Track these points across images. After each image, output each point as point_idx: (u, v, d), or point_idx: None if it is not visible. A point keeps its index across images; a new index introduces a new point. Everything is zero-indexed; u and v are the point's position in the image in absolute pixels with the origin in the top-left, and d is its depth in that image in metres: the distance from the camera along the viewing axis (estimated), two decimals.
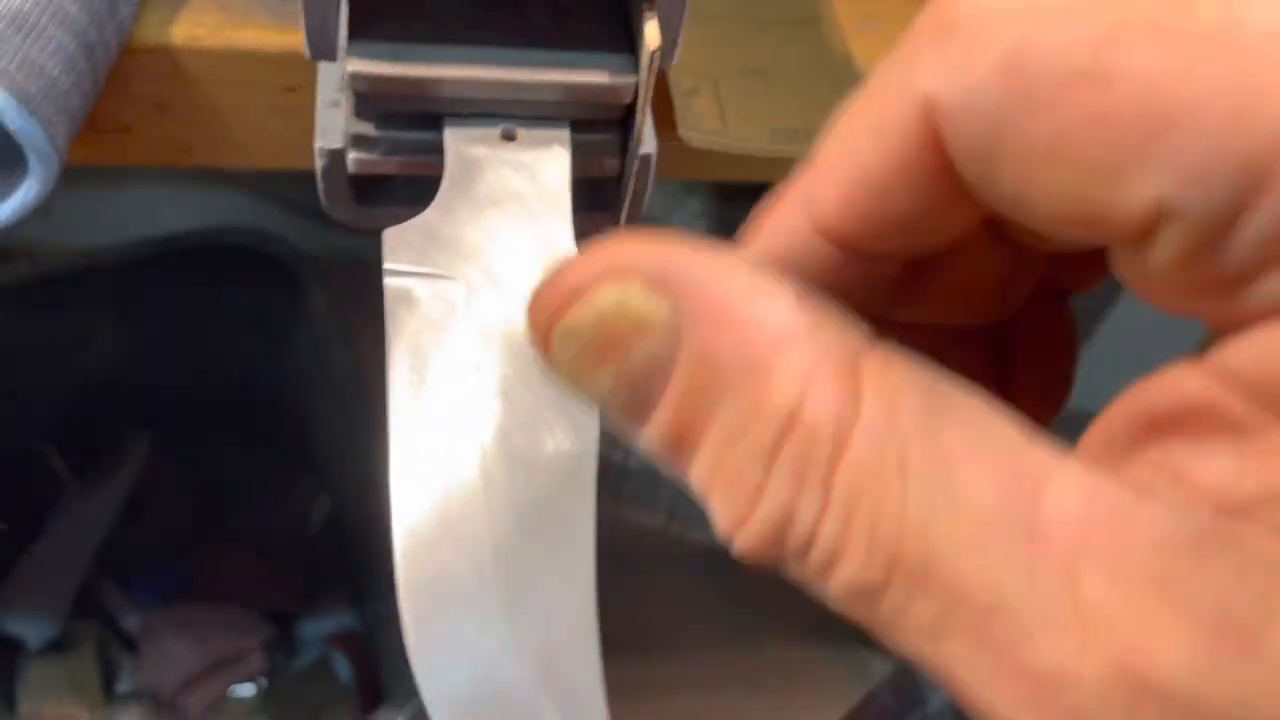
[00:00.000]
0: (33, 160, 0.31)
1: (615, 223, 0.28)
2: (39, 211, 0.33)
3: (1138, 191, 0.14)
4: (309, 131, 0.39)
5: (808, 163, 0.18)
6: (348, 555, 0.79)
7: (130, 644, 0.74)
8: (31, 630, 0.72)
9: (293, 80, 0.37)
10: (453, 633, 0.20)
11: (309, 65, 0.39)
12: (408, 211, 0.28)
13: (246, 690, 0.74)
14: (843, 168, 0.17)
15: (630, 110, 0.26)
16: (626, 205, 0.28)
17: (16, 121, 0.30)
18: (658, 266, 0.16)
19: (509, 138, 0.25)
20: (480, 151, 0.25)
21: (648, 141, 0.27)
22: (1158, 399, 0.15)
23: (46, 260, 0.73)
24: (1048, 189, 0.15)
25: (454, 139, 0.25)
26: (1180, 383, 0.15)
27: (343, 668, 0.76)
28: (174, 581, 0.77)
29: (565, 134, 0.26)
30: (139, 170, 0.91)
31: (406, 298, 0.24)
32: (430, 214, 0.24)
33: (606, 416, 0.17)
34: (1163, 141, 0.14)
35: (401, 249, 0.24)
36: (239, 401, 0.80)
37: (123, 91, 0.36)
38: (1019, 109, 0.14)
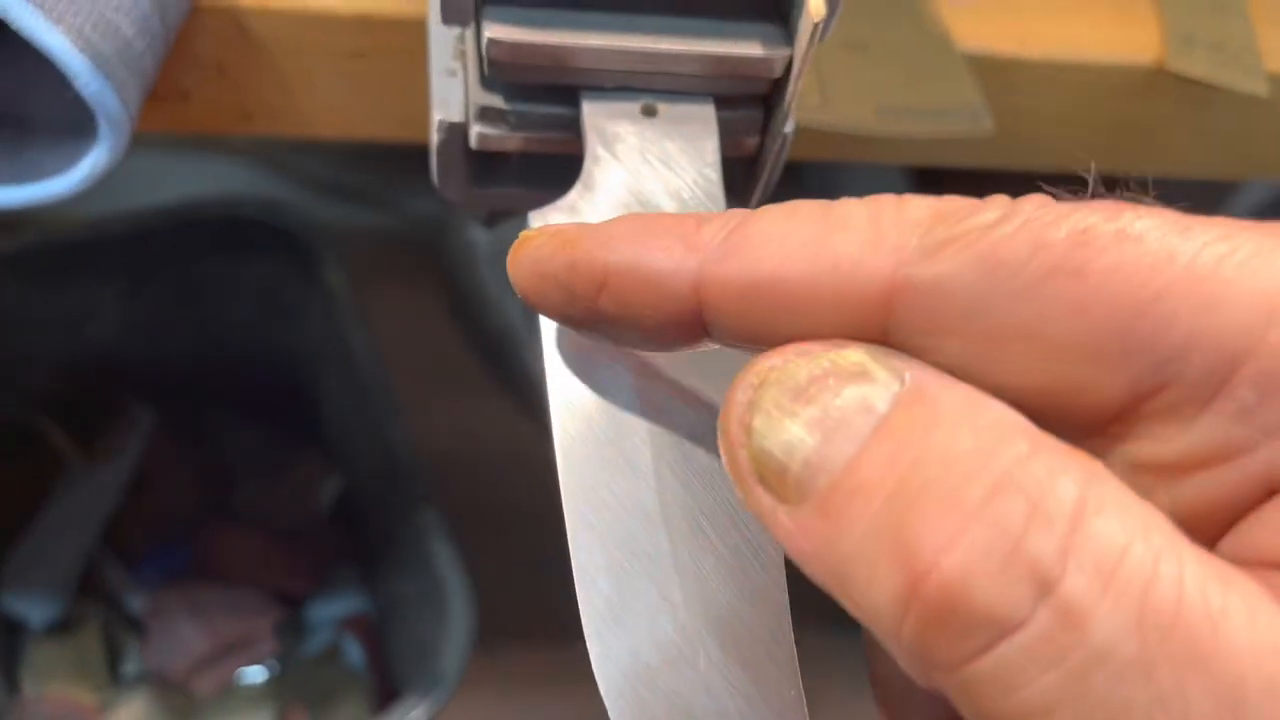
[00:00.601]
0: (104, 126, 0.29)
1: (745, 203, 0.27)
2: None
3: (1115, 374, 0.16)
4: (376, 100, 0.37)
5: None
6: (359, 536, 0.77)
7: (136, 625, 0.72)
8: (34, 610, 0.70)
9: (361, 45, 0.35)
10: (640, 659, 0.18)
11: (378, 29, 0.37)
12: (523, 192, 0.26)
13: (256, 674, 0.72)
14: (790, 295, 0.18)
15: (777, 85, 0.24)
16: (761, 188, 0.26)
17: (91, 85, 0.28)
18: (882, 348, 0.17)
19: (650, 113, 0.24)
20: (622, 127, 0.23)
21: (790, 120, 0.25)
22: None
23: (50, 229, 0.71)
24: (1018, 368, 0.16)
25: (593, 114, 0.23)
26: None
27: (354, 652, 0.74)
28: (180, 561, 0.75)
29: (710, 110, 0.24)
30: (148, 137, 0.88)
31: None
32: (574, 194, 0.23)
33: (773, 482, 0.16)
34: (1137, 327, 0.15)
35: None
36: (248, 377, 0.78)
37: (184, 54, 0.34)
38: (998, 294, 0.16)
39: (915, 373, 0.16)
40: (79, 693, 0.69)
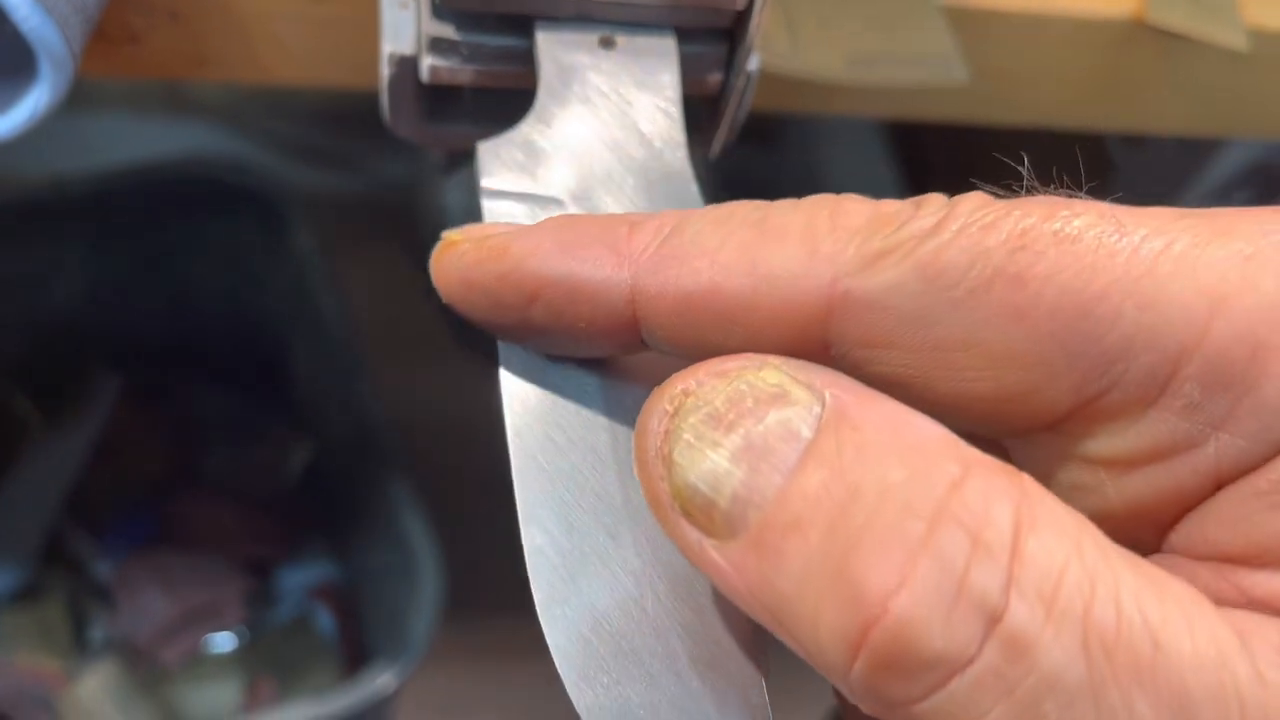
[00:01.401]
0: (45, 65, 0.28)
1: (708, 147, 0.26)
2: None
3: (1061, 378, 0.16)
4: (337, 45, 0.36)
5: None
6: (330, 504, 0.76)
7: (102, 593, 0.71)
8: None
9: None
10: (586, 601, 0.17)
11: None
12: (477, 129, 0.25)
13: (225, 642, 0.71)
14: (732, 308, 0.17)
15: (740, 18, 0.23)
16: (725, 129, 0.25)
17: (31, 20, 0.27)
18: (799, 363, 0.16)
19: (608, 44, 0.23)
20: (579, 59, 0.22)
21: (754, 57, 0.24)
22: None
23: (8, 188, 0.69)
24: (963, 376, 0.16)
25: (548, 45, 0.22)
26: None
27: (325, 621, 0.73)
28: (147, 528, 0.74)
29: (671, 42, 0.23)
30: (108, 95, 0.86)
31: (508, 219, 0.21)
32: (527, 127, 0.22)
33: (697, 516, 0.16)
34: (1080, 331, 0.15)
35: (498, 166, 0.21)
36: (217, 342, 0.77)
37: None
38: (939, 304, 0.16)
39: (835, 391, 0.15)
40: (44, 661, 0.68)
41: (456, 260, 0.19)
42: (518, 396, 0.19)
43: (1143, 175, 0.68)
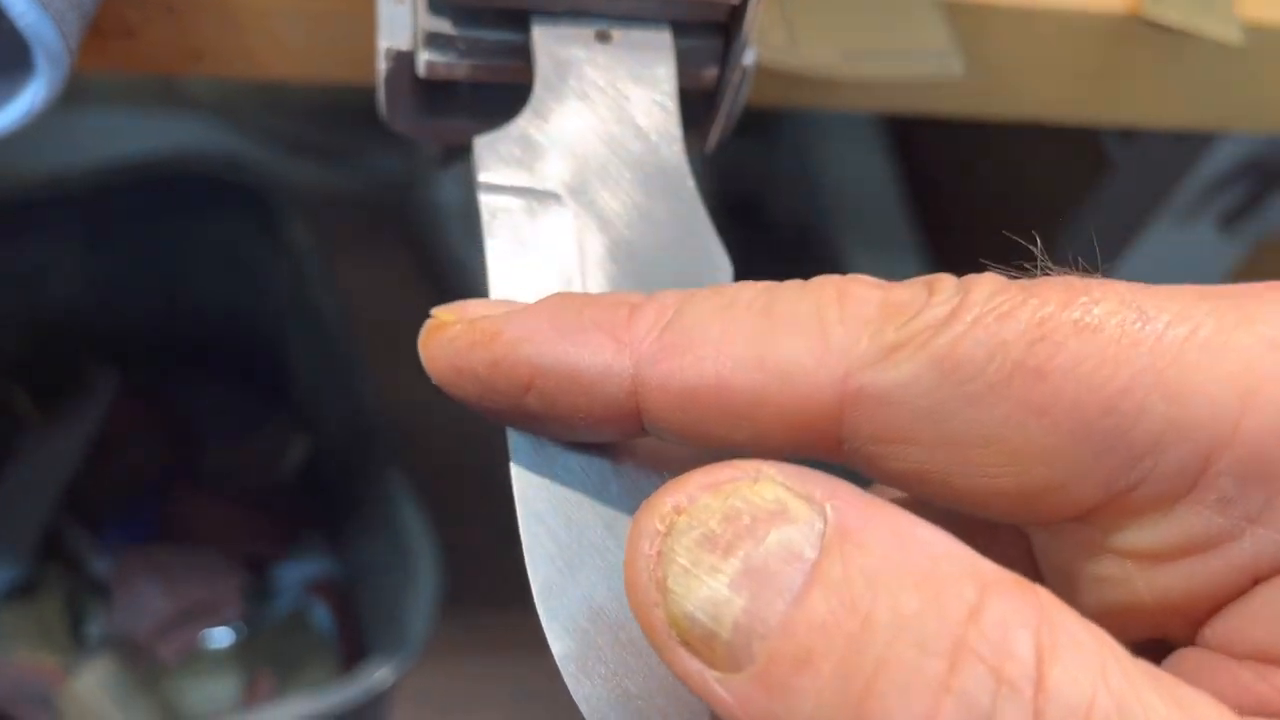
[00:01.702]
0: (41, 60, 0.28)
1: (704, 141, 0.26)
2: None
3: (1087, 474, 0.15)
4: (332, 40, 0.36)
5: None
6: (327, 499, 0.76)
7: (100, 588, 0.71)
8: None
9: None
10: (586, 593, 0.18)
11: None
12: (473, 124, 0.25)
13: (223, 638, 0.71)
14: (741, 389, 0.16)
15: (735, 12, 0.23)
16: (720, 122, 0.25)
17: (27, 16, 0.27)
18: (796, 472, 0.15)
19: (604, 39, 0.23)
20: (575, 53, 0.22)
21: (749, 51, 0.24)
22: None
23: (5, 185, 0.69)
24: (984, 472, 0.15)
25: (544, 39, 0.22)
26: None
27: (322, 616, 0.73)
28: (145, 524, 0.74)
29: (667, 36, 0.23)
30: (103, 90, 0.86)
31: (505, 214, 0.21)
32: (524, 121, 0.22)
33: (693, 649, 0.14)
34: (1105, 426, 0.15)
35: (495, 161, 0.21)
36: (214, 338, 0.77)
37: None
38: (956, 399, 0.15)
39: (836, 503, 0.14)
40: (42, 656, 0.68)
41: (446, 345, 0.18)
42: None
43: (1138, 170, 0.68)
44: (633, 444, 0.19)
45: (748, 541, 0.14)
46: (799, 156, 1.04)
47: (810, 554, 0.14)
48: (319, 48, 0.36)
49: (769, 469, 0.15)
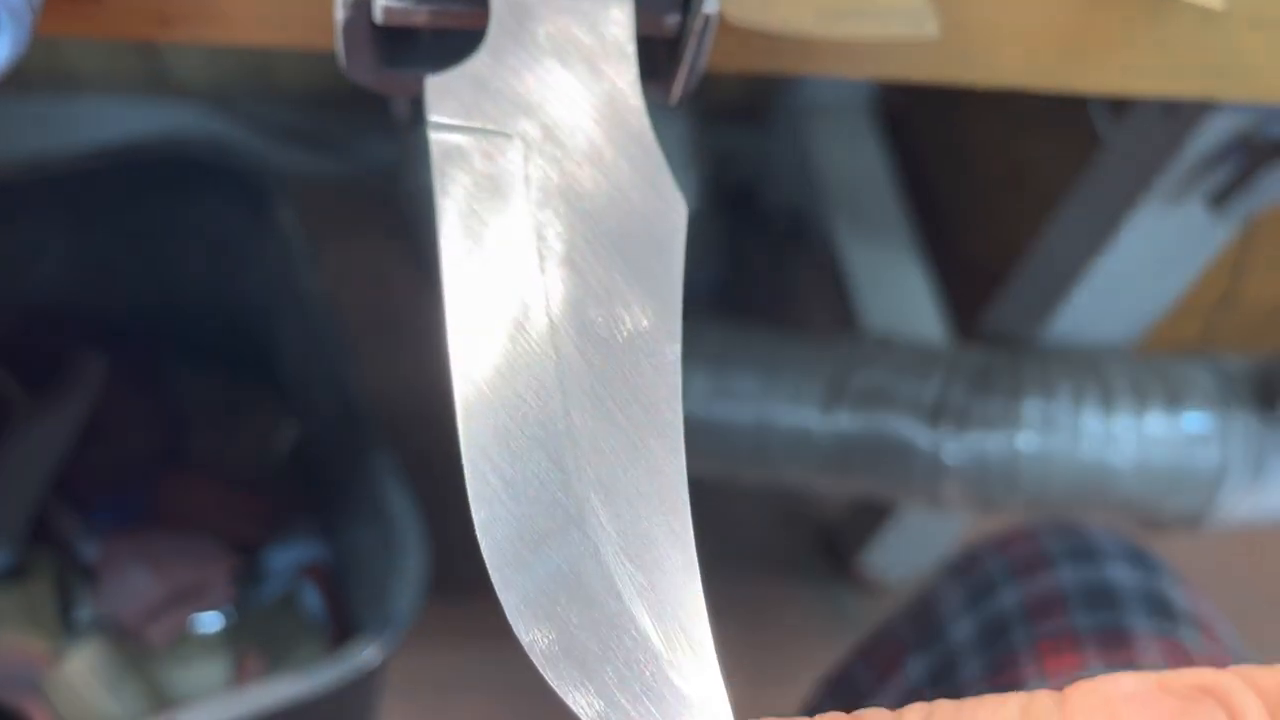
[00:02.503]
0: (4, 16, 0.28)
1: (668, 92, 0.25)
2: None
3: None
4: (303, 5, 0.36)
5: None
6: (315, 483, 0.76)
7: (89, 572, 0.71)
8: None
9: None
10: (526, 524, 0.17)
11: None
12: (433, 74, 0.25)
13: (212, 621, 0.71)
14: None
15: None
16: (684, 73, 0.25)
17: None
18: None
19: None
20: None
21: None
22: None
23: None
24: None
25: None
26: None
27: (312, 599, 0.73)
28: (134, 508, 0.74)
29: None
30: (91, 78, 0.86)
31: (458, 154, 0.21)
32: (478, 62, 0.21)
33: None
34: None
35: (448, 100, 0.21)
36: (202, 323, 0.77)
37: None
38: None
39: None
40: (31, 640, 0.68)
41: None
42: (462, 328, 0.19)
43: (1128, 149, 0.68)
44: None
45: None
46: (793, 145, 1.04)
47: None
48: (288, 14, 0.36)
49: None
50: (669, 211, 0.20)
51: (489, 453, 0.18)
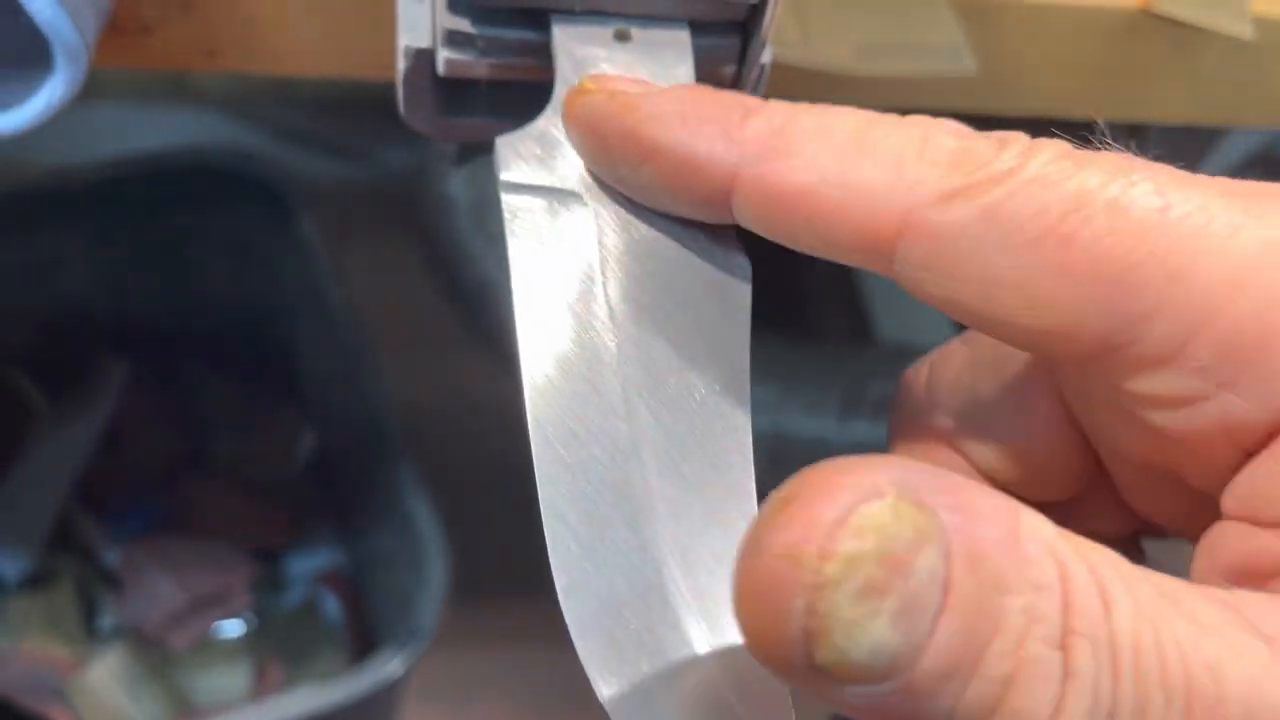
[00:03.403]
0: (60, 56, 0.28)
1: None
2: None
3: (1092, 326, 0.18)
4: (349, 35, 0.36)
5: None
6: (336, 490, 0.76)
7: (110, 579, 0.71)
8: (7, 564, 0.69)
9: None
10: (606, 589, 0.18)
11: None
12: (492, 123, 0.25)
13: (233, 628, 0.72)
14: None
15: (754, 11, 0.23)
16: None
17: (45, 13, 0.27)
18: (908, 481, 0.15)
19: (623, 38, 0.23)
20: (595, 52, 0.22)
21: (767, 50, 0.24)
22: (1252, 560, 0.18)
23: (16, 177, 0.69)
24: (1008, 311, 0.18)
25: (564, 38, 0.22)
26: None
27: (331, 607, 0.74)
28: (155, 515, 0.74)
29: (685, 35, 0.23)
30: (115, 85, 0.86)
31: (527, 214, 0.21)
32: (545, 120, 0.22)
33: (858, 673, 0.14)
34: (1112, 293, 0.17)
35: (516, 160, 0.21)
36: (224, 330, 0.77)
37: None
38: (996, 247, 0.18)
39: (948, 515, 0.14)
40: (53, 647, 0.68)
41: (589, 108, 0.21)
42: (538, 388, 0.19)
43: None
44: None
45: (902, 578, 0.14)
46: None
47: (943, 571, 0.14)
48: (334, 44, 0.36)
49: (886, 486, 0.14)
50: (735, 271, 0.21)
51: (567, 518, 0.18)
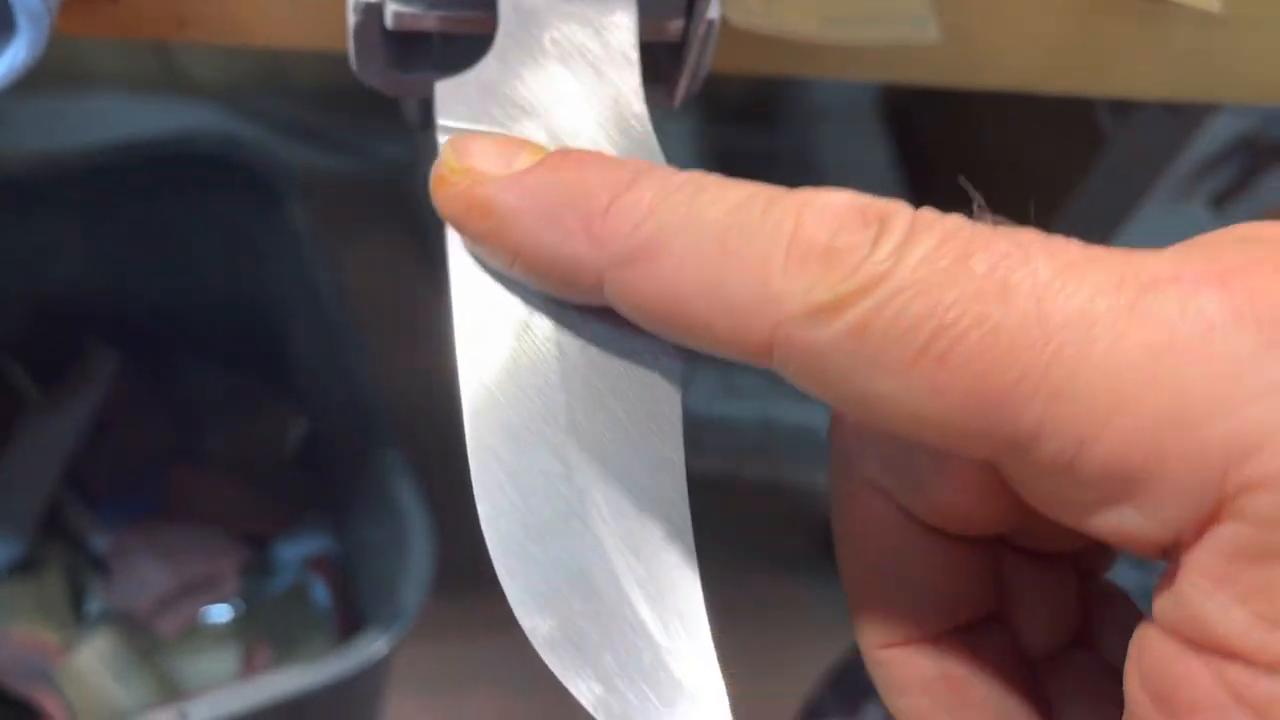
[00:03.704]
0: (22, 19, 0.29)
1: (671, 96, 0.26)
2: None
3: (975, 444, 0.17)
4: (319, 7, 0.36)
5: None
6: (325, 478, 0.77)
7: (99, 565, 0.72)
8: None
9: None
10: (530, 516, 0.18)
11: None
12: (444, 77, 0.25)
13: (221, 614, 0.72)
14: None
15: None
16: (687, 77, 0.26)
17: None
18: None
19: None
20: (538, 3, 0.23)
21: (714, 3, 0.24)
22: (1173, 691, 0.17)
23: (4, 164, 0.70)
24: (889, 422, 0.18)
25: None
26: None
27: (320, 593, 0.74)
28: (144, 502, 0.74)
29: None
30: (105, 77, 0.87)
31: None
32: (485, 68, 0.22)
33: None
34: (993, 413, 0.16)
35: (456, 104, 0.22)
36: (214, 318, 0.77)
37: None
38: (868, 366, 0.17)
39: None
40: (42, 631, 0.69)
41: (449, 200, 0.21)
42: (464, 309, 0.20)
43: (1132, 146, 0.69)
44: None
45: None
46: (799, 139, 1.04)
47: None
48: (304, 15, 0.36)
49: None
50: None
51: (495, 448, 0.18)
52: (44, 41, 0.30)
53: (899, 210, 0.18)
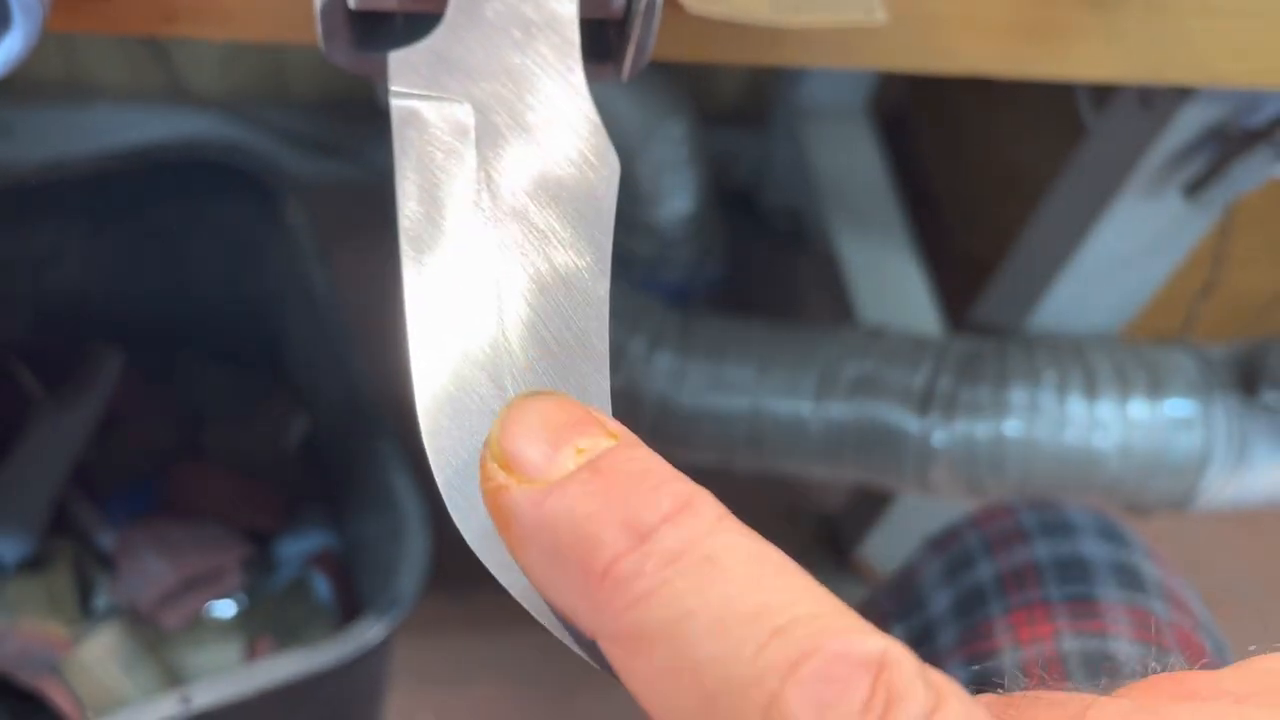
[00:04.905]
0: (16, 12, 0.30)
1: (620, 72, 0.28)
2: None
3: None
4: (306, 2, 0.38)
5: None
6: (325, 474, 0.78)
7: (106, 561, 0.74)
8: (6, 548, 0.72)
9: None
10: (468, 437, 0.20)
11: None
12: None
13: (225, 608, 0.74)
14: None
15: None
16: (632, 52, 0.27)
17: None
18: None
19: None
20: None
21: None
22: None
23: (11, 172, 0.72)
24: None
25: None
26: None
27: (321, 587, 0.76)
28: (149, 499, 0.76)
29: None
30: (109, 87, 0.89)
31: (415, 118, 0.23)
32: (436, 39, 0.24)
33: None
34: None
35: (408, 73, 0.23)
36: (216, 319, 0.79)
37: None
38: None
39: None
40: (50, 625, 0.71)
41: (484, 492, 0.19)
42: (414, 260, 0.22)
43: (1107, 139, 0.70)
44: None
45: None
46: (792, 146, 1.06)
47: None
48: (291, 10, 0.38)
49: None
50: (603, 168, 0.23)
51: (437, 374, 0.20)
52: (37, 33, 0.31)
53: (909, 692, 0.16)
